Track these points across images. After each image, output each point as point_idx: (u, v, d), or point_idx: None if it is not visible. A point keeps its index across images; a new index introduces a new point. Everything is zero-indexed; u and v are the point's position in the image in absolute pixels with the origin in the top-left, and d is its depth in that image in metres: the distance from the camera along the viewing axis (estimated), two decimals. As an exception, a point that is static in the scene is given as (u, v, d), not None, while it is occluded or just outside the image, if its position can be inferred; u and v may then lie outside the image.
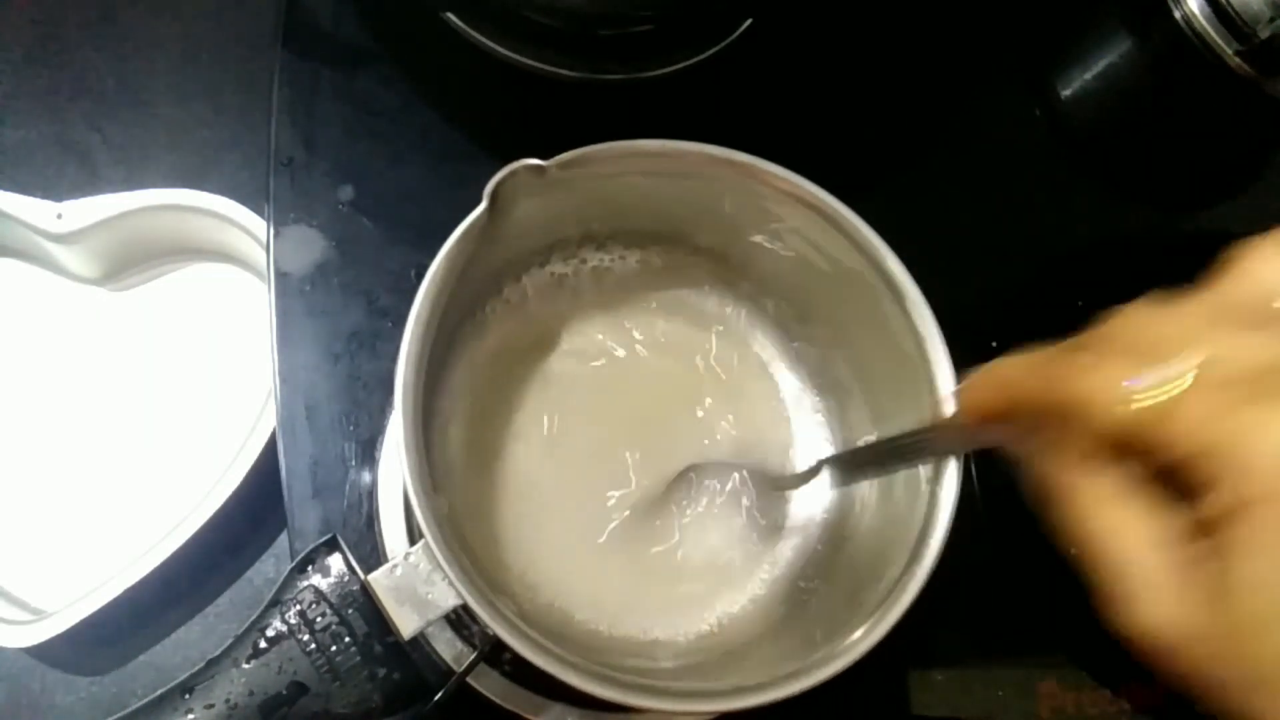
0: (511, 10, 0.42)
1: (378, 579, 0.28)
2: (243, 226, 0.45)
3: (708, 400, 0.38)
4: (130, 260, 0.48)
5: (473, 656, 0.33)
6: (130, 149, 0.49)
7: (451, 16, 0.43)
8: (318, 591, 0.27)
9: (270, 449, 0.42)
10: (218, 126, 0.50)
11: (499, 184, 0.30)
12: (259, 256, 0.45)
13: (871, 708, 0.42)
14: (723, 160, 0.33)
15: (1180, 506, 0.22)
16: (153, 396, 0.47)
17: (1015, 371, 0.26)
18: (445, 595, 0.28)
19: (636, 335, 0.38)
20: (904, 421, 0.33)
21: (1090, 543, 0.24)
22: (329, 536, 0.28)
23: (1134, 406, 0.22)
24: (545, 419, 0.37)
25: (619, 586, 0.35)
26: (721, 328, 0.39)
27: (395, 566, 0.28)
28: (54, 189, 0.48)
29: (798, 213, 0.33)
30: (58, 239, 0.45)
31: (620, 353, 0.38)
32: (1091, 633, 0.44)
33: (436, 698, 0.31)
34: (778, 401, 0.39)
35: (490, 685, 0.36)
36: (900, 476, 0.33)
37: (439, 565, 0.26)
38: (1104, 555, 0.23)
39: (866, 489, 0.36)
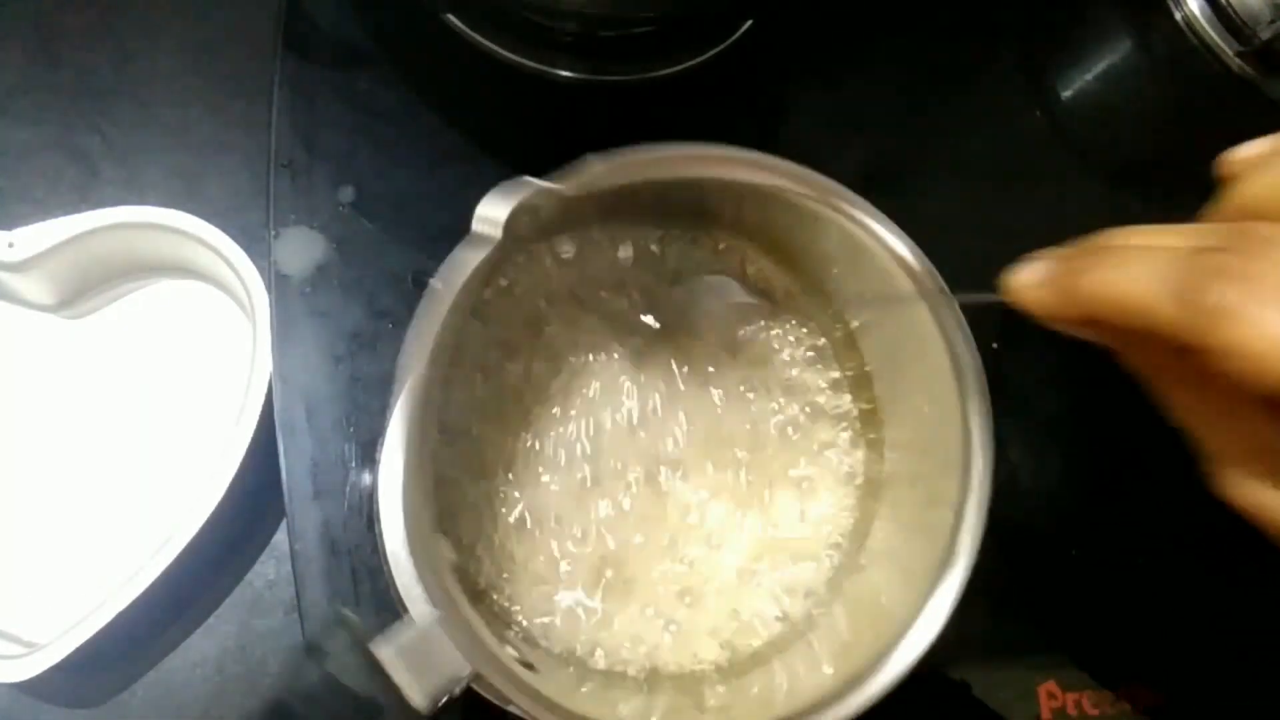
0: (512, 12, 0.42)
1: (387, 655, 0.26)
2: (199, 239, 0.44)
3: (723, 387, 0.38)
4: (89, 283, 0.47)
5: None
6: (130, 150, 0.49)
7: (452, 18, 0.43)
8: (327, 675, 0.26)
9: (255, 454, 0.41)
10: (218, 128, 0.50)
11: (512, 215, 0.29)
12: (218, 268, 0.45)
13: (871, 708, 0.42)
14: (742, 161, 0.32)
15: None
16: (124, 418, 0.46)
17: (1130, 283, 0.21)
18: (457, 664, 0.27)
19: (648, 321, 0.38)
20: (915, 401, 0.33)
21: (1194, 433, 0.23)
22: (336, 615, 0.28)
23: None
24: (558, 411, 0.36)
25: (633, 598, 0.35)
26: (735, 311, 0.39)
27: (400, 632, 0.27)
28: (55, 190, 0.48)
29: (808, 207, 0.33)
30: (11, 268, 0.44)
31: (634, 341, 0.38)
32: (1092, 633, 0.44)
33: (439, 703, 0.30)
34: (792, 376, 0.38)
35: (493, 688, 0.36)
36: (919, 505, 0.33)
37: (450, 639, 0.26)
38: (1206, 444, 0.23)
39: (881, 521, 0.36)
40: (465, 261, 0.29)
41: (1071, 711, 0.42)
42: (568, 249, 0.38)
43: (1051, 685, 0.43)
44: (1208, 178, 0.27)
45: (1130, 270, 0.21)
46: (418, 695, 0.26)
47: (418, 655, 0.26)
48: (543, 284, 0.37)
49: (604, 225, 0.38)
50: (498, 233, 0.29)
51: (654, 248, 0.38)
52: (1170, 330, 0.20)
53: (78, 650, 0.39)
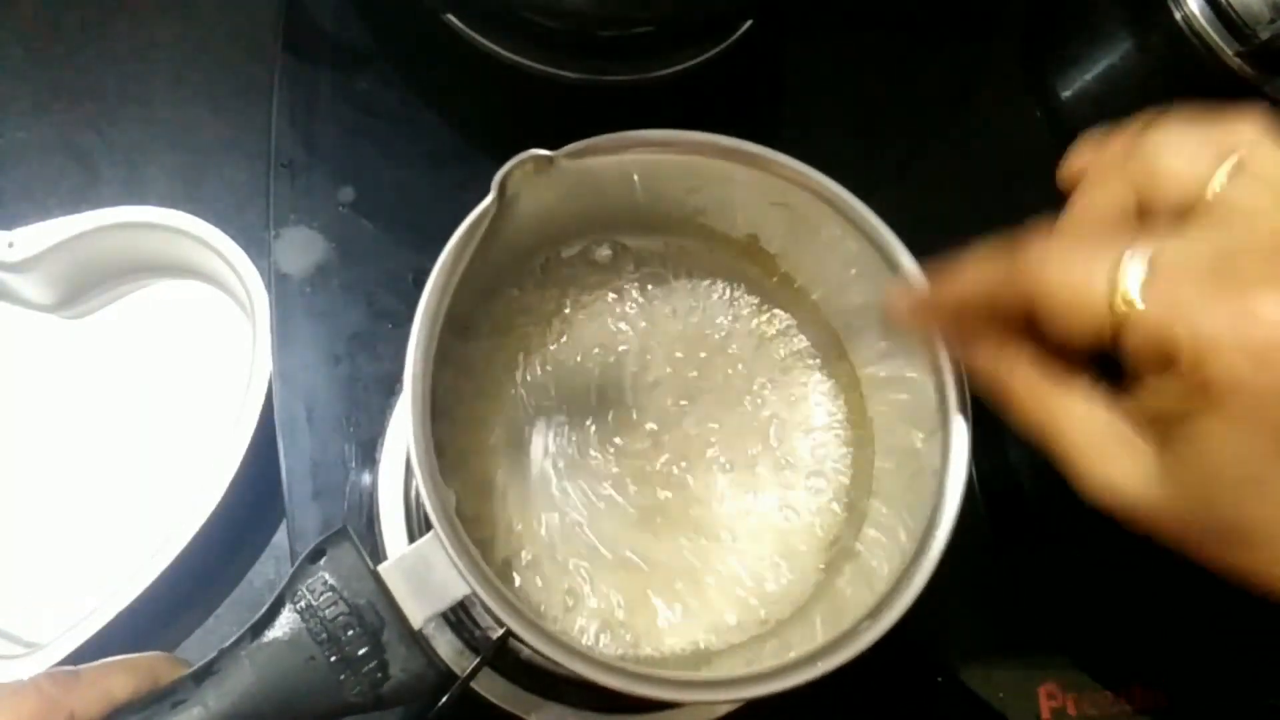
0: (512, 12, 0.42)
1: (387, 569, 0.28)
2: (199, 239, 0.44)
3: (723, 387, 0.38)
4: (89, 283, 0.47)
5: (476, 660, 0.33)
6: (131, 150, 0.49)
7: (452, 18, 0.43)
8: (328, 582, 0.27)
9: (255, 454, 0.41)
10: (218, 128, 0.50)
11: (506, 174, 0.30)
12: (218, 268, 0.45)
13: (872, 710, 0.42)
14: (731, 150, 0.32)
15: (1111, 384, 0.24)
16: (124, 418, 0.46)
17: (972, 278, 0.28)
18: (454, 585, 0.27)
19: (644, 324, 0.38)
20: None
21: (1042, 426, 0.25)
22: (340, 528, 0.28)
23: (1092, 294, 0.22)
24: (556, 409, 0.36)
25: (629, 580, 0.35)
26: (732, 316, 0.39)
27: (404, 557, 0.28)
28: (55, 190, 0.48)
29: (807, 203, 0.33)
30: (11, 268, 0.44)
31: (633, 341, 0.38)
32: (1092, 633, 0.44)
33: (440, 702, 0.31)
34: (797, 386, 0.38)
35: (492, 688, 0.36)
36: (910, 469, 0.33)
37: (448, 555, 0.26)
38: (1055, 434, 0.25)
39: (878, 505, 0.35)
40: (459, 229, 0.30)
41: (1071, 711, 0.42)
42: (561, 259, 0.38)
43: (1051, 685, 0.43)
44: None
45: (971, 270, 0.28)
46: (414, 616, 0.27)
47: (418, 574, 0.28)
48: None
49: (592, 237, 0.38)
50: (491, 192, 0.30)
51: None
52: (1003, 293, 0.26)
53: (78, 650, 0.39)
